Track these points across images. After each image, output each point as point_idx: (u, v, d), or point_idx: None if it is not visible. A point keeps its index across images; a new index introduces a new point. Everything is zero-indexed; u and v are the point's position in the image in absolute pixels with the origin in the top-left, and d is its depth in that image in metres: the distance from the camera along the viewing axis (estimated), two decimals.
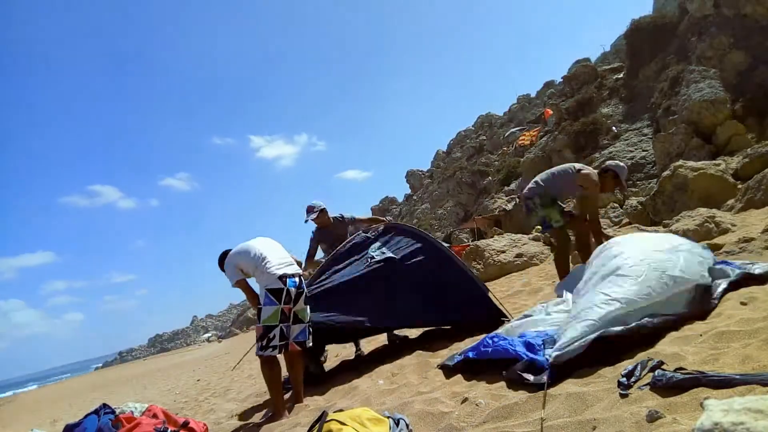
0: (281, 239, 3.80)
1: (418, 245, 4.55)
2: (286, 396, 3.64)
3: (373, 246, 4.40)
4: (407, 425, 2.14)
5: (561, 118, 17.63)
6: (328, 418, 2.05)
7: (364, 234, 4.64)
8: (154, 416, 2.92)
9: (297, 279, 3.43)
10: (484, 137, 37.46)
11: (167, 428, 2.78)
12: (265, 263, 3.40)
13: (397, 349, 4.28)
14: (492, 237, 12.36)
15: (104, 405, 2.92)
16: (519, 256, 9.69)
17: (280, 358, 3.46)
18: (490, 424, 2.07)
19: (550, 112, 21.78)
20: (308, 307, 3.53)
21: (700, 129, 10.43)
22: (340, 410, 2.21)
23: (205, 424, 3.21)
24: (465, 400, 2.40)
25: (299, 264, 3.70)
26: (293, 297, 3.37)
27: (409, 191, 47.22)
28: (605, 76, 18.14)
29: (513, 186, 21.73)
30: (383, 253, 4.37)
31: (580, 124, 15.33)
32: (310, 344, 3.52)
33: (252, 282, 3.54)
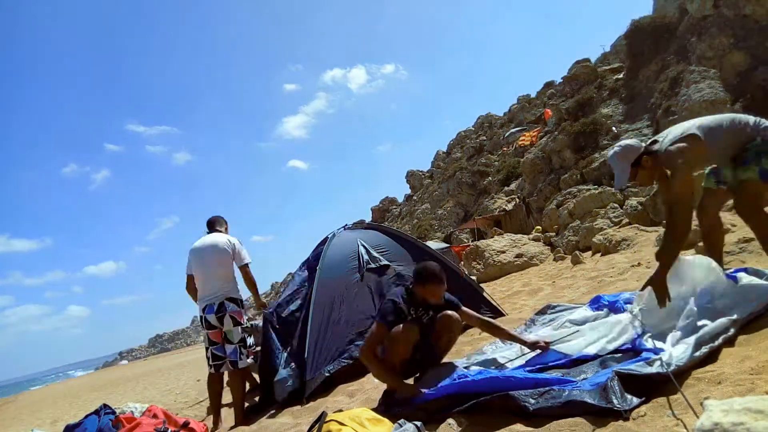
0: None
1: (404, 249, 4.56)
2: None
3: (361, 250, 4.37)
4: (418, 428, 2.12)
5: (561, 119, 17.63)
6: (327, 419, 2.05)
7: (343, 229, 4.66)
8: (155, 416, 2.92)
9: (216, 305, 3.65)
10: (484, 137, 37.44)
11: (167, 428, 2.78)
12: (197, 286, 3.76)
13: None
14: (492, 237, 12.37)
15: (104, 405, 2.92)
16: (519, 256, 9.69)
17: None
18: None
19: (550, 112, 21.78)
20: (238, 327, 3.69)
21: None
22: (340, 410, 2.21)
23: (205, 425, 3.21)
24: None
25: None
26: (214, 322, 3.65)
27: (409, 191, 47.23)
28: (605, 77, 18.13)
29: (513, 186, 21.74)
30: (375, 258, 4.35)
31: (580, 124, 15.32)
32: (244, 365, 3.72)
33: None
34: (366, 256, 4.31)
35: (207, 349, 3.71)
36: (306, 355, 3.69)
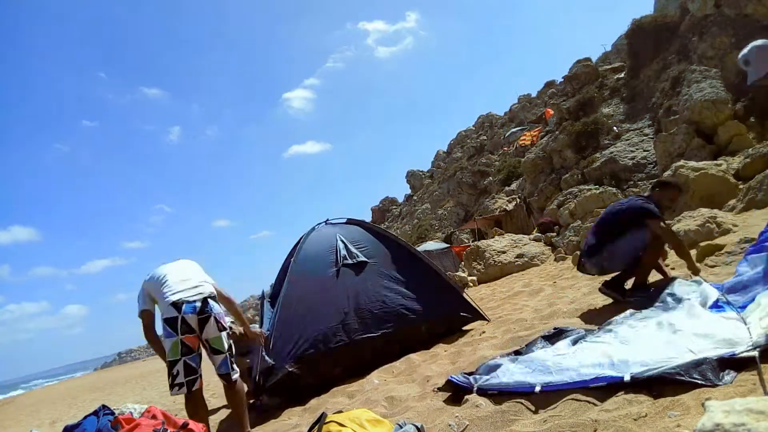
0: None
1: (385, 246, 4.51)
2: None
3: (339, 245, 4.31)
4: (419, 429, 2.11)
5: (562, 118, 17.62)
6: (327, 420, 2.04)
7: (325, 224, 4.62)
8: (153, 417, 2.91)
9: (198, 303, 2.89)
10: (485, 137, 37.44)
11: (166, 429, 2.76)
12: (163, 288, 2.95)
13: (390, 353, 4.22)
14: (493, 237, 12.36)
15: (103, 406, 2.90)
16: (520, 256, 9.68)
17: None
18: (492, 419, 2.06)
19: (551, 111, 21.78)
20: (224, 333, 2.99)
21: (701, 129, 10.41)
22: (340, 411, 2.20)
23: (204, 425, 3.20)
24: (465, 401, 2.39)
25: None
26: (195, 325, 2.86)
27: (409, 191, 47.23)
28: (606, 76, 18.14)
29: (514, 186, 21.73)
30: (352, 254, 4.29)
31: (581, 124, 15.31)
32: (236, 376, 3.07)
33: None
34: (344, 251, 4.27)
35: (175, 361, 2.86)
36: (271, 346, 3.62)
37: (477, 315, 4.45)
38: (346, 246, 4.32)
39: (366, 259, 4.29)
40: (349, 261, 4.23)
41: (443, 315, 4.28)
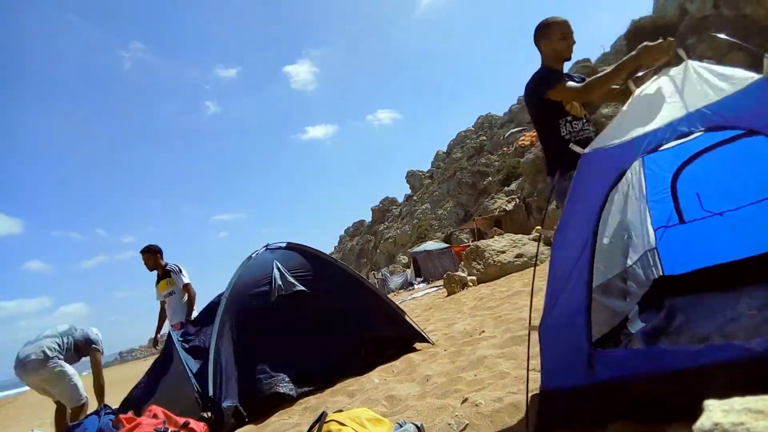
0: None
1: (325, 271, 4.34)
2: None
3: (276, 274, 4.11)
4: (419, 428, 2.11)
5: None
6: (327, 419, 2.05)
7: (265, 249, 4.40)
8: (155, 416, 2.92)
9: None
10: (485, 138, 37.48)
11: (167, 428, 2.78)
12: None
13: (390, 354, 4.21)
14: (492, 237, 12.37)
15: (105, 405, 2.93)
16: (519, 256, 9.70)
17: None
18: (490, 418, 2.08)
19: None
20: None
21: None
22: (340, 410, 2.21)
23: (205, 425, 3.21)
24: (465, 400, 2.40)
25: None
26: None
27: (409, 191, 47.30)
28: None
29: (513, 186, 21.76)
30: (290, 283, 4.12)
31: None
32: None
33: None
34: (279, 281, 4.07)
35: None
36: (211, 392, 3.43)
37: (420, 338, 4.32)
38: (282, 274, 4.12)
39: (303, 288, 4.12)
40: (285, 292, 4.05)
41: (385, 339, 4.18)
